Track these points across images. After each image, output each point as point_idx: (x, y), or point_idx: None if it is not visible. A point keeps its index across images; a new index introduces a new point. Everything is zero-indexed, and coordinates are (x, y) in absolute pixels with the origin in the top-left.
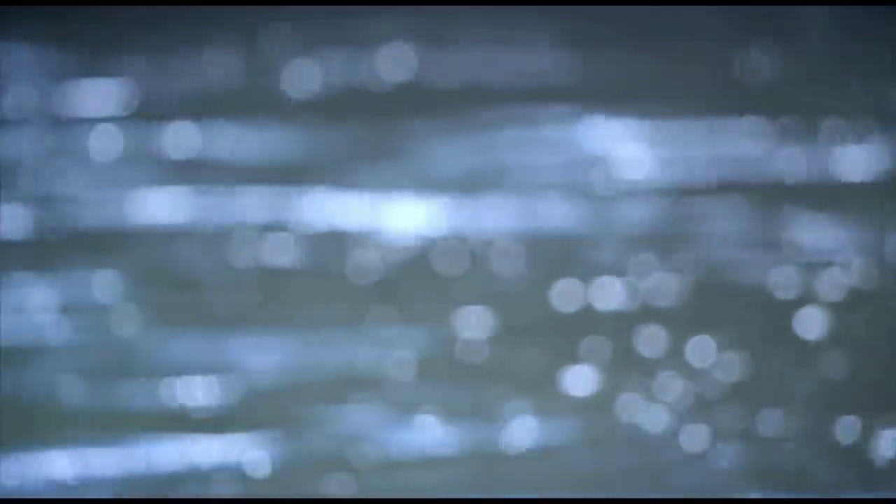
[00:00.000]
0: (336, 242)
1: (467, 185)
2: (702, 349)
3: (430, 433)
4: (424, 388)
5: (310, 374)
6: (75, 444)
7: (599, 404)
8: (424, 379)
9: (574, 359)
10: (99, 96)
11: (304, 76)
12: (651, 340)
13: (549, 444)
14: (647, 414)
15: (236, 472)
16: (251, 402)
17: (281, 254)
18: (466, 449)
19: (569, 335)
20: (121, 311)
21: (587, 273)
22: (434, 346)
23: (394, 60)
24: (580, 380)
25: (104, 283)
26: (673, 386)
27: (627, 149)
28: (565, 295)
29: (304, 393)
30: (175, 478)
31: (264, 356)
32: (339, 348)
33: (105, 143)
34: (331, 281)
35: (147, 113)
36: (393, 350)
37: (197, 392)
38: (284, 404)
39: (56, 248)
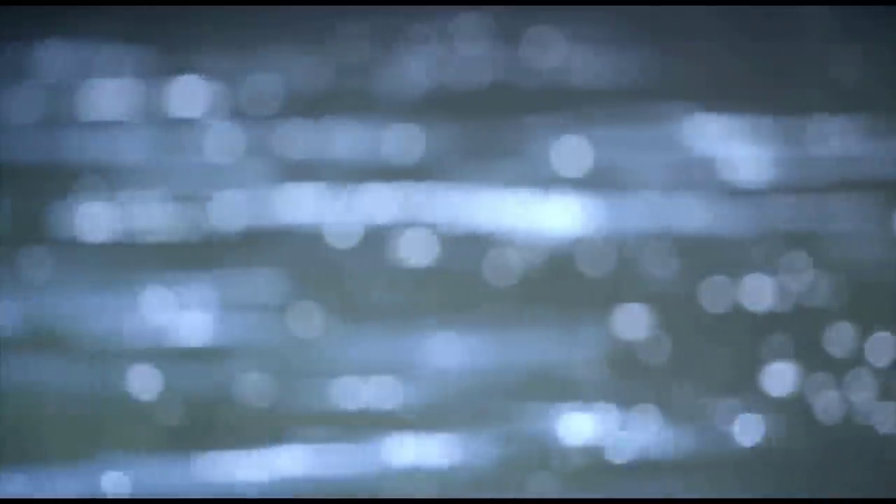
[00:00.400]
0: (484, 242)
1: (592, 183)
2: (883, 347)
3: (638, 432)
4: (612, 386)
5: (497, 373)
6: (260, 445)
7: (798, 402)
8: (610, 377)
9: (756, 356)
10: (199, 95)
11: (401, 75)
12: (832, 338)
13: (761, 443)
14: (854, 411)
15: (432, 473)
16: (443, 402)
17: (431, 253)
18: (678, 448)
19: (741, 333)
20: (297, 310)
21: (735, 271)
22: (607, 344)
23: (495, 60)
24: (776, 378)
25: (269, 283)
26: (868, 384)
27: (744, 147)
28: (717, 294)
29: (494, 392)
30: (363, 479)
31: (447, 356)
32: (518, 347)
33: (222, 142)
34: (489, 280)
35: (253, 112)
36: (570, 348)
37: (386, 391)
38: (476, 404)
39: (206, 248)
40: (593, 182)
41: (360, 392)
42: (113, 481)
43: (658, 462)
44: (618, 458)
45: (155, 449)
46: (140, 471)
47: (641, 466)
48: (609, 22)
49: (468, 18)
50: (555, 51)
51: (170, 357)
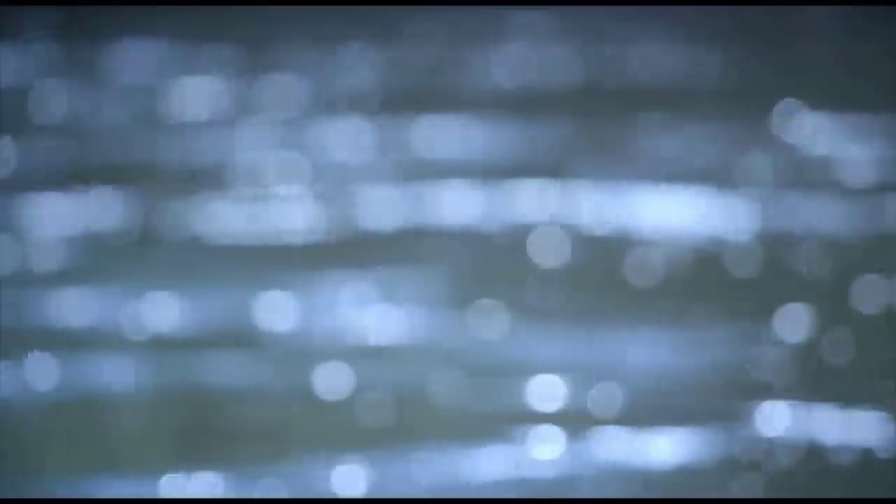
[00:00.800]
0: (631, 241)
1: (715, 181)
2: None
3: (852, 432)
4: (804, 384)
5: (685, 372)
6: (457, 445)
7: None
8: (800, 376)
9: None
10: (294, 92)
11: (490, 74)
12: None
13: None
14: None
15: (634, 472)
16: (640, 401)
17: (586, 252)
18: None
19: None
20: (477, 308)
21: (884, 271)
22: (783, 343)
23: (588, 59)
24: None
25: (434, 281)
26: None
27: (856, 146)
28: (870, 293)
29: (687, 391)
30: (565, 479)
31: (631, 354)
32: (697, 346)
33: (344, 141)
34: (645, 279)
35: (351, 109)
36: (750, 347)
37: (579, 391)
38: (673, 402)
39: (355, 247)
40: (716, 180)
41: (554, 391)
42: (307, 482)
43: (876, 461)
44: (835, 458)
45: (348, 449)
46: (329, 472)
47: (857, 465)
48: (709, 21)
49: (551, 17)
50: (649, 49)
51: (357, 356)
